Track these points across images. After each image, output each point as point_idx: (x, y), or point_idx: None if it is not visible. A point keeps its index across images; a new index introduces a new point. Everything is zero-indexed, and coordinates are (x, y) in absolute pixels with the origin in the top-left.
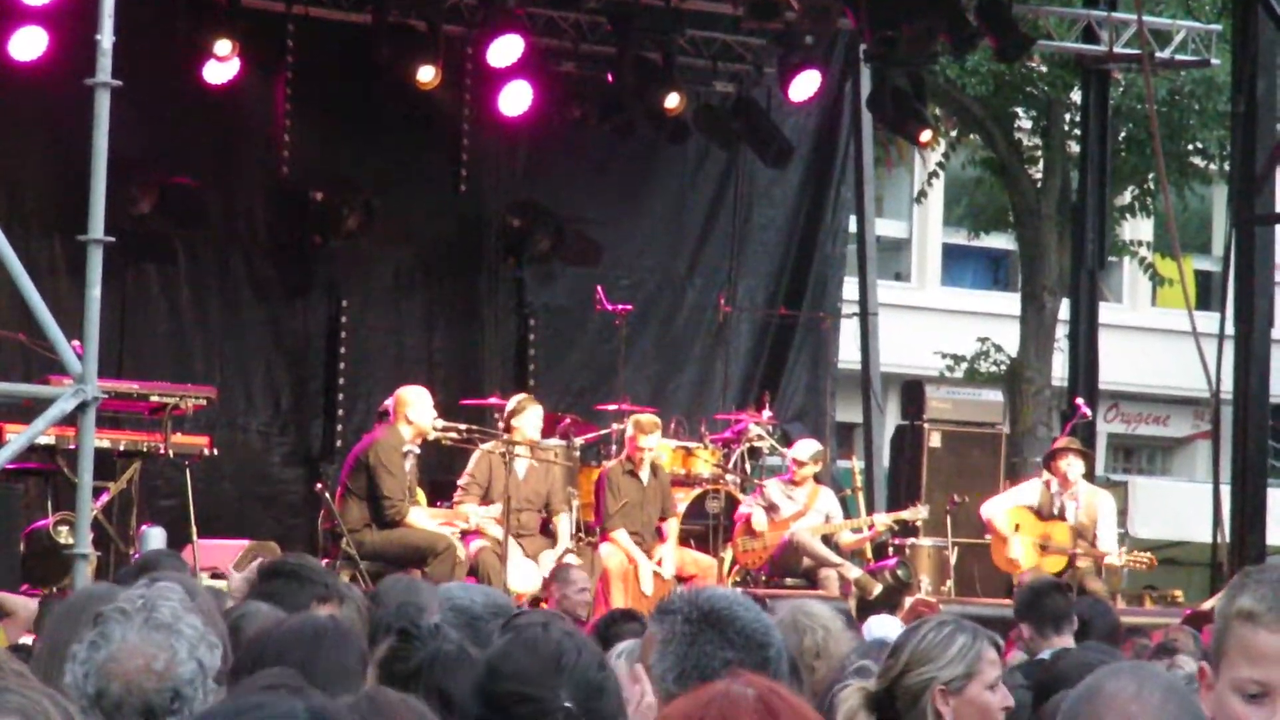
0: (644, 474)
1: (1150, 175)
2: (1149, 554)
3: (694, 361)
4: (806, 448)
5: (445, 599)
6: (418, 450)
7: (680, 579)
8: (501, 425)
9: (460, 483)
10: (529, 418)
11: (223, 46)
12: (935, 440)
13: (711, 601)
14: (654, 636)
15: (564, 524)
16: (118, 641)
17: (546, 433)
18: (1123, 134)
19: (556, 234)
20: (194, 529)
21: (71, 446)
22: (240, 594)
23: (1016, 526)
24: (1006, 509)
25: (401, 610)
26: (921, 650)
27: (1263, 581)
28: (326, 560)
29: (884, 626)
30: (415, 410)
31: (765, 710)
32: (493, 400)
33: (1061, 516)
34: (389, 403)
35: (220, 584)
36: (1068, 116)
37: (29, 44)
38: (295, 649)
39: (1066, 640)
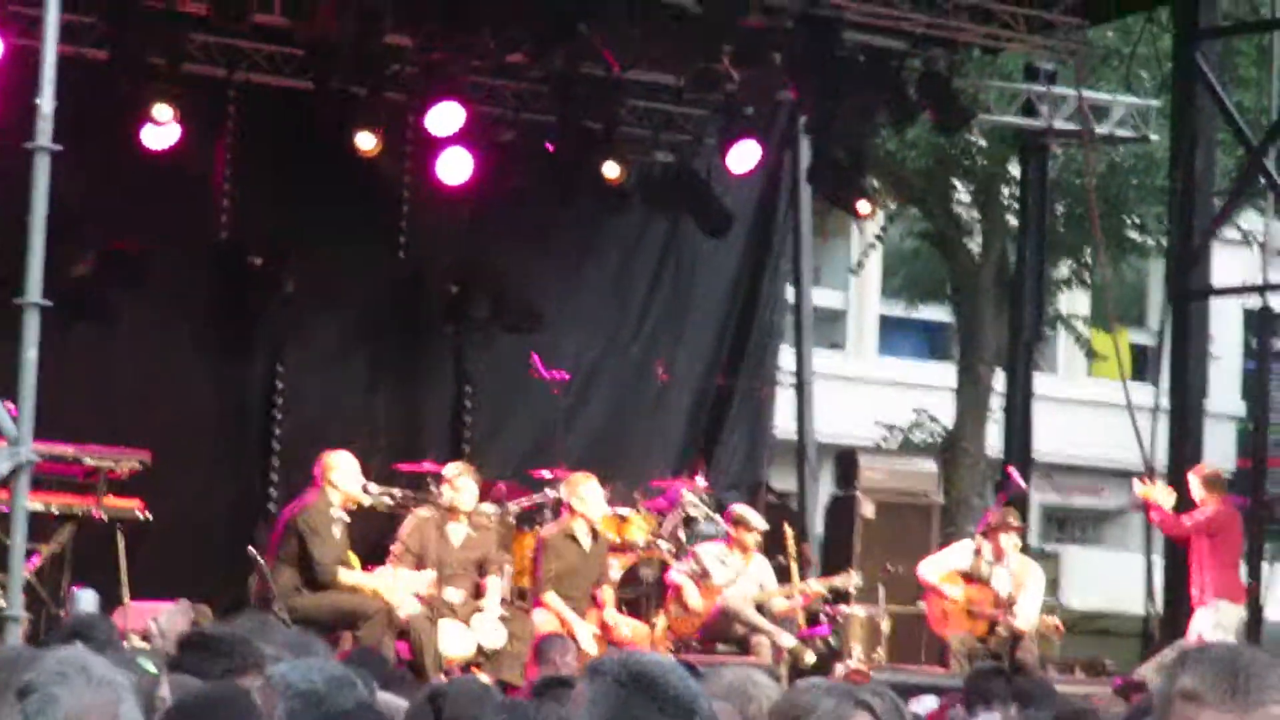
0: (584, 540)
1: (1087, 248)
2: (1056, 621)
3: (631, 429)
4: (757, 515)
5: (284, 683)
6: (346, 518)
7: (614, 645)
8: (437, 489)
9: (393, 549)
10: (465, 486)
11: (163, 112)
12: (868, 510)
13: (642, 664)
14: (583, 695)
15: (494, 587)
16: (70, 702)
17: (480, 497)
18: (1061, 208)
19: (496, 300)
20: (126, 591)
21: (4, 509)
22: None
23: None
24: (938, 570)
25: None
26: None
27: (1202, 661)
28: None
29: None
30: (340, 475)
31: None
32: (427, 465)
33: (989, 583)
34: (316, 468)
35: (144, 645)
36: (1006, 190)
37: None
38: (208, 716)
39: (994, 716)
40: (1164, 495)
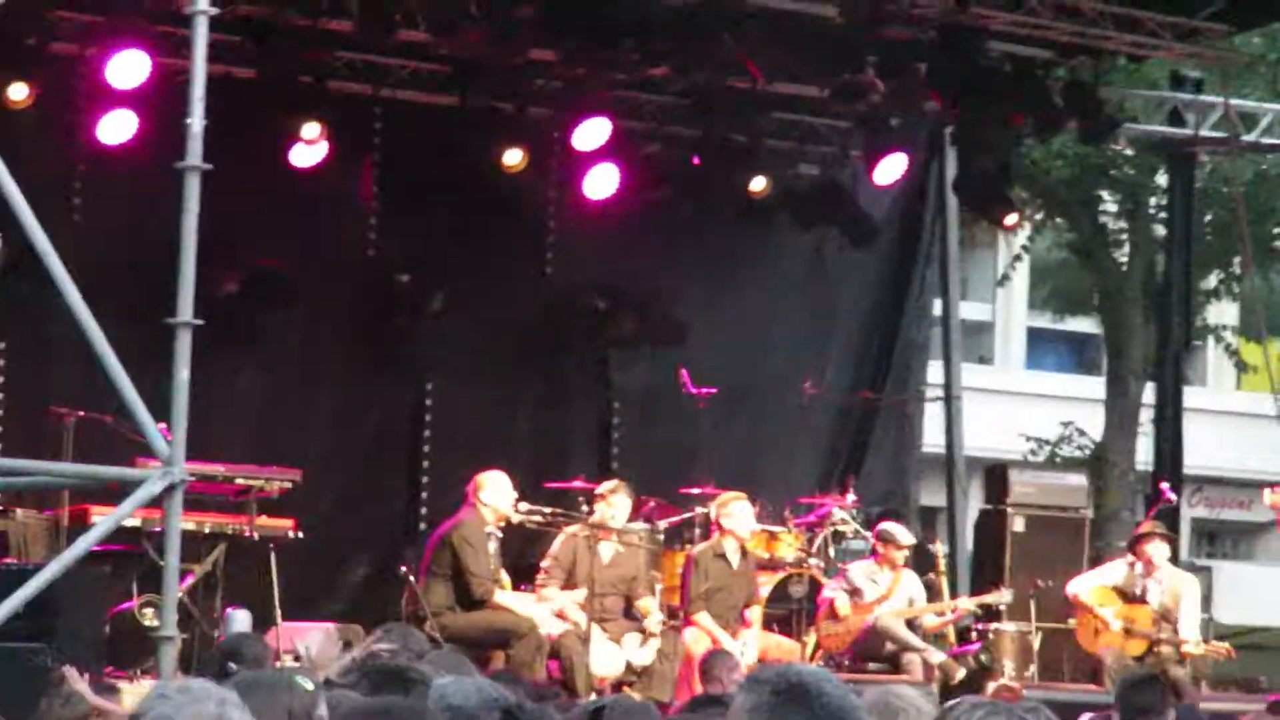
0: (734, 558)
1: (1235, 258)
2: (1226, 644)
3: (777, 444)
4: (905, 532)
5: (439, 696)
6: (500, 534)
7: (764, 663)
8: (589, 508)
9: (543, 565)
10: (618, 504)
11: (310, 130)
12: (1019, 524)
13: (801, 675)
14: (740, 706)
15: (652, 607)
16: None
17: (630, 516)
18: (1208, 217)
19: (641, 316)
20: (278, 611)
21: (157, 529)
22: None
23: (1101, 604)
24: (1092, 587)
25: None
26: None
27: None
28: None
29: None
30: (492, 493)
31: None
32: (576, 483)
33: (1144, 599)
34: (470, 487)
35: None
36: (1153, 199)
37: (119, 127)
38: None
39: None
40: None
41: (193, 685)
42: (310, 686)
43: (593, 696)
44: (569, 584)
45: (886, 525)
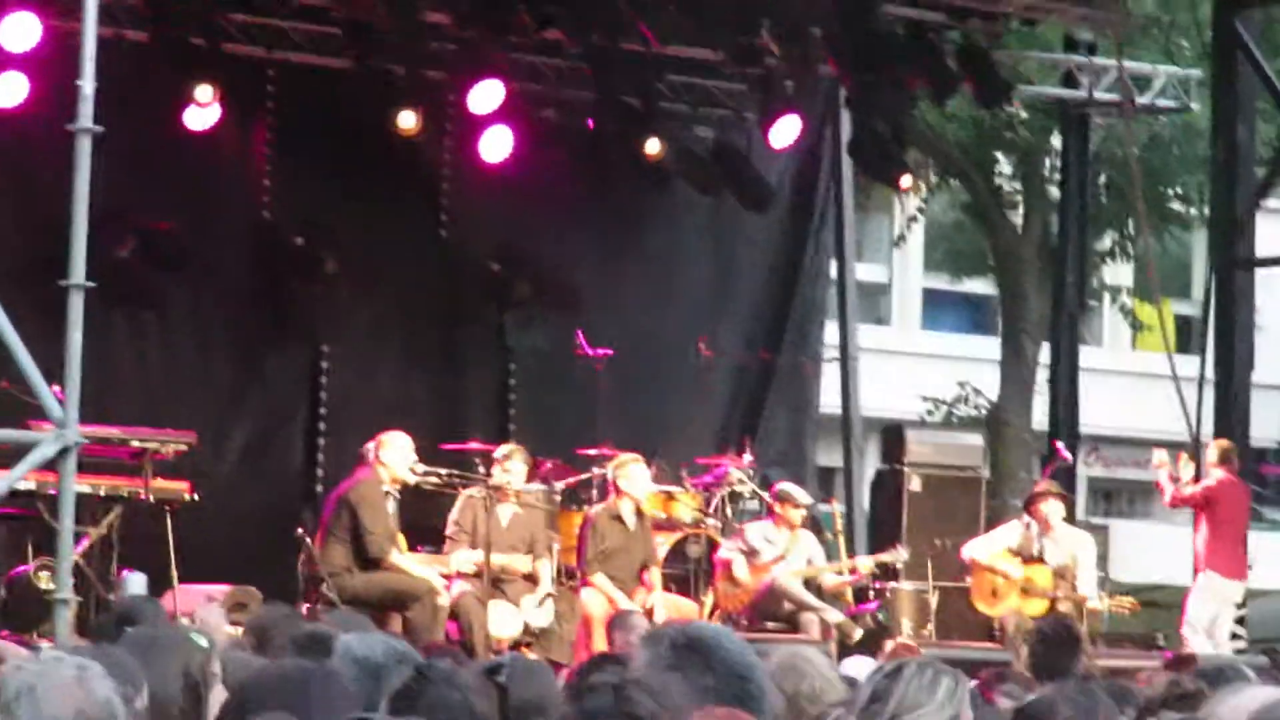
0: (630, 519)
1: (1130, 220)
2: (1131, 598)
3: (674, 406)
4: (802, 492)
5: (344, 649)
6: (397, 494)
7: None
8: (486, 470)
9: (448, 532)
10: (515, 467)
11: (204, 92)
12: (915, 484)
13: (700, 631)
14: (641, 661)
15: (545, 568)
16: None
17: (527, 477)
18: (1103, 179)
19: (537, 279)
20: (174, 574)
21: (52, 491)
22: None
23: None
24: (988, 550)
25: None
26: (910, 696)
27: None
28: (307, 605)
29: (860, 669)
30: (392, 453)
31: None
32: (474, 445)
33: (1041, 559)
34: (369, 447)
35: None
36: (1048, 162)
37: (10, 90)
38: (282, 692)
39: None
40: (1183, 467)
41: (52, 655)
42: (205, 644)
43: (491, 658)
44: (474, 546)
45: (784, 485)
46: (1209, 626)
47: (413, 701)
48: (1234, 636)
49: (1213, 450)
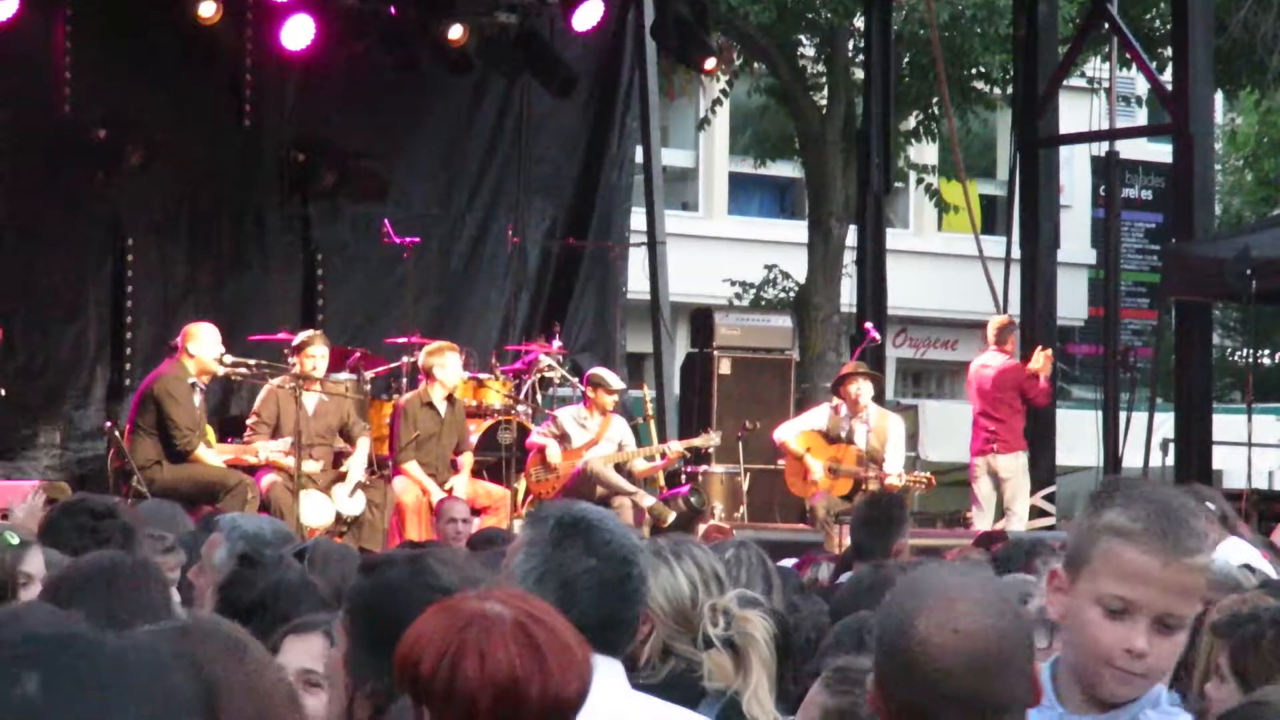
0: (442, 406)
1: (934, 100)
2: (927, 474)
3: (482, 293)
4: (615, 377)
5: (231, 527)
6: (204, 386)
7: (473, 510)
8: (289, 359)
9: (249, 422)
10: (316, 352)
11: None
12: (725, 367)
13: (585, 512)
14: (521, 540)
15: (357, 454)
16: None
17: (336, 367)
18: (906, 59)
19: (341, 169)
20: None
21: None
22: (27, 528)
23: (808, 449)
24: (797, 432)
25: (247, 539)
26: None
27: (1134, 499)
28: (118, 499)
29: None
30: (200, 344)
31: (523, 636)
32: (281, 336)
33: (850, 440)
34: (176, 339)
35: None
36: (851, 43)
37: None
38: (92, 586)
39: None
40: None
41: None
42: (17, 541)
43: None
44: (275, 436)
45: (597, 370)
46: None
47: (246, 588)
48: (1042, 513)
49: (991, 329)
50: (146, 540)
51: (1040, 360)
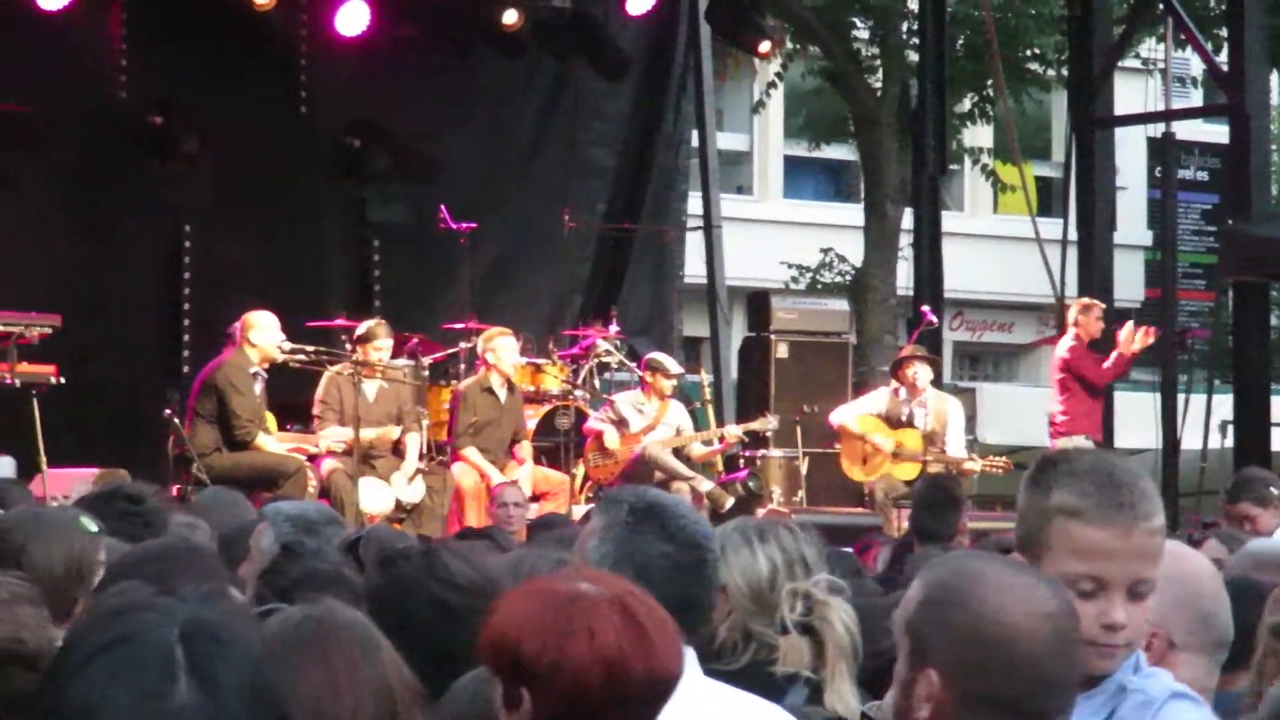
0: (500, 392)
1: (988, 82)
2: (1004, 458)
3: (537, 278)
4: (673, 361)
5: (276, 513)
6: (265, 374)
7: (534, 497)
8: (350, 348)
9: (315, 411)
10: (382, 344)
11: None
12: (782, 351)
13: (660, 498)
14: (595, 525)
15: (412, 443)
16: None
17: (394, 353)
18: (960, 41)
19: (395, 153)
20: (42, 458)
21: None
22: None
23: (868, 432)
24: (855, 416)
25: (294, 524)
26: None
27: (1078, 474)
28: (177, 486)
29: None
30: (260, 333)
31: (626, 614)
32: (339, 322)
33: (910, 423)
34: (235, 326)
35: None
36: (905, 25)
37: None
38: (146, 568)
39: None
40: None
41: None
42: (95, 529)
43: None
44: (340, 423)
45: (655, 354)
46: None
47: (280, 577)
48: None
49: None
50: (179, 528)
51: (1126, 335)
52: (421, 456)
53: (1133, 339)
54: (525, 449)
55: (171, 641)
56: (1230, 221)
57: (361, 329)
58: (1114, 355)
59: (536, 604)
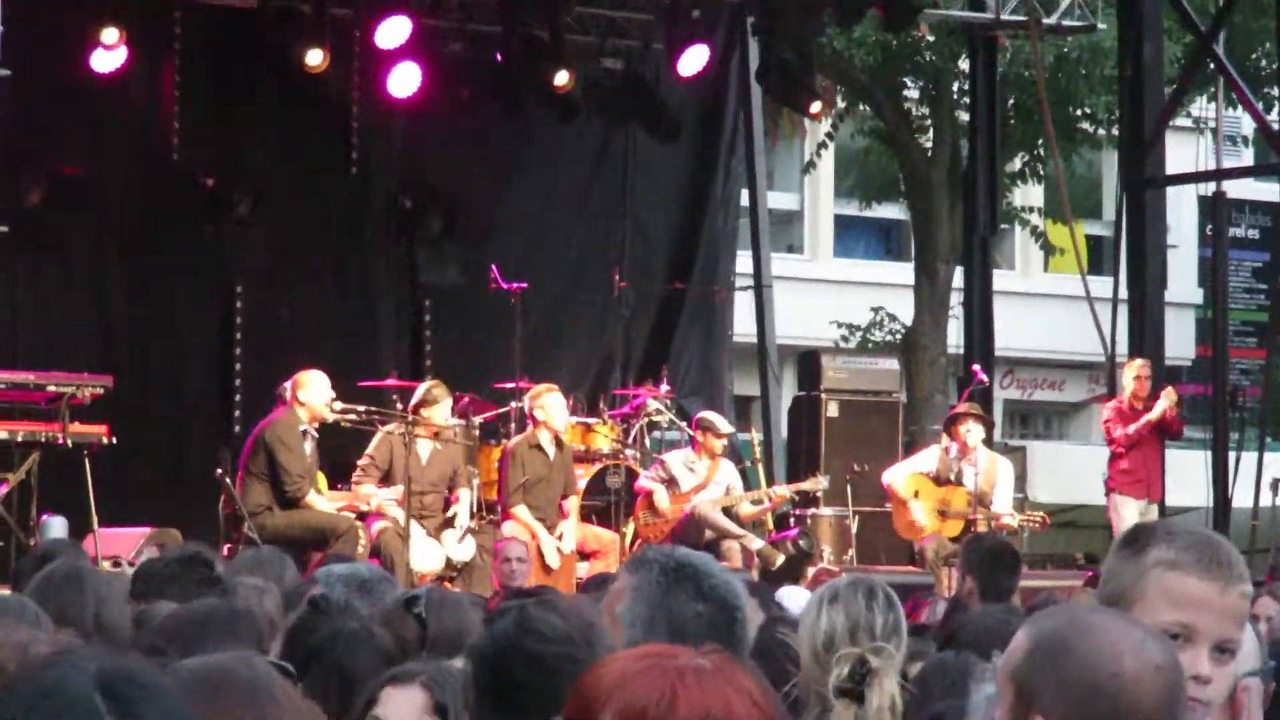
0: (550, 450)
1: (1039, 141)
2: (1041, 513)
3: (589, 338)
4: (724, 420)
5: (326, 575)
6: (315, 433)
7: (582, 555)
8: (406, 410)
9: (360, 463)
10: (441, 408)
11: (110, 35)
12: (833, 410)
13: (689, 556)
14: (626, 586)
15: (464, 500)
16: None
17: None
18: (1011, 101)
19: (448, 214)
20: (94, 518)
21: None
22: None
23: (915, 493)
24: (905, 475)
25: (352, 587)
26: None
27: (1176, 534)
28: (229, 545)
29: (793, 598)
30: (310, 392)
31: (729, 683)
32: (390, 381)
33: (959, 482)
34: (286, 386)
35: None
36: (956, 85)
37: None
38: (183, 631)
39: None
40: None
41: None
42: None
43: None
44: (385, 482)
45: (706, 414)
46: None
47: (309, 635)
48: None
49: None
50: (244, 590)
51: (1162, 401)
52: (472, 515)
53: (1162, 404)
54: (572, 504)
55: (90, 690)
56: None
57: (421, 392)
58: (1142, 420)
59: (647, 682)
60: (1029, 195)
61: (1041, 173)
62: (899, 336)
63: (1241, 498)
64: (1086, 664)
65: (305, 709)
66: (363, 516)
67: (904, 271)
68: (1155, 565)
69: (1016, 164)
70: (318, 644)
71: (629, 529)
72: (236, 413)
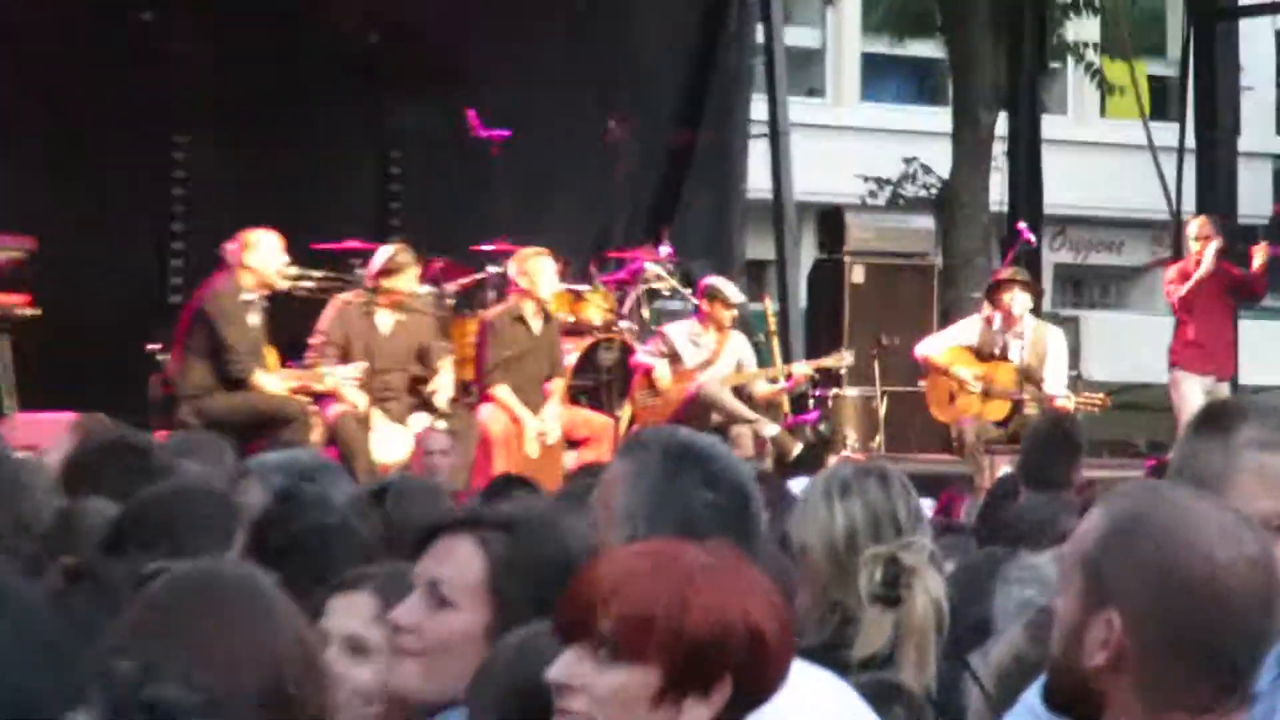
0: (534, 322)
1: None
2: (1101, 395)
3: (581, 193)
4: (734, 287)
5: (260, 465)
6: (264, 303)
7: (570, 442)
8: (369, 282)
9: (312, 342)
10: (407, 276)
11: None
12: (858, 275)
13: (693, 438)
14: (621, 473)
15: (445, 373)
16: None
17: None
18: None
19: (422, 51)
20: (14, 401)
21: None
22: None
23: (954, 364)
24: (944, 347)
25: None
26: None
27: (1266, 412)
28: (165, 432)
29: None
30: (259, 255)
31: (743, 583)
32: (351, 244)
33: (1004, 357)
34: (230, 248)
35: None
36: None
37: None
38: (150, 517)
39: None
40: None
41: None
42: None
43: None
44: (345, 360)
45: (712, 280)
46: None
47: (276, 530)
48: None
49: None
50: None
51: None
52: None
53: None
54: (556, 385)
55: None
56: None
57: (383, 259)
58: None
59: (665, 575)
60: (1083, 29)
61: (1097, 3)
62: (934, 191)
63: None
64: (1174, 552)
65: (294, 612)
66: (318, 400)
67: (940, 117)
68: (1246, 446)
69: None
70: (288, 542)
71: (624, 412)
72: (174, 280)
